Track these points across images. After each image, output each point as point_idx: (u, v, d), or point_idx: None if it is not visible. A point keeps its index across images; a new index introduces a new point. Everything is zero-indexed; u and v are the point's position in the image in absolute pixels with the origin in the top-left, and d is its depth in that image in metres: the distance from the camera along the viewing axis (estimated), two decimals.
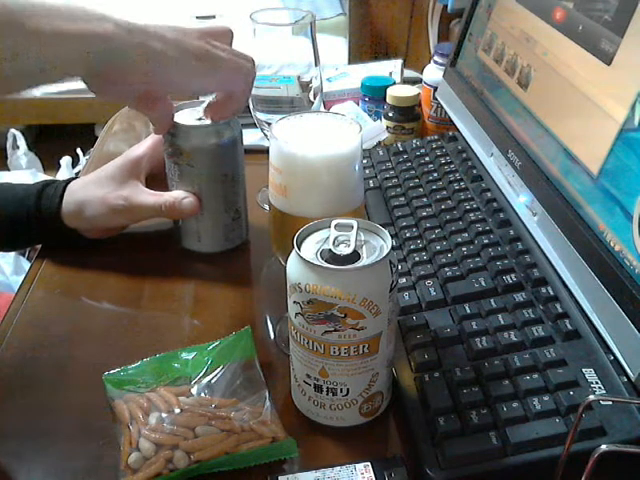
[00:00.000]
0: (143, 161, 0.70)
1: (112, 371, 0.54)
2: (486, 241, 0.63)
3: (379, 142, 0.89)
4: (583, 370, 0.49)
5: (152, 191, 0.69)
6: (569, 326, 0.53)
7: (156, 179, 0.71)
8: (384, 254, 0.45)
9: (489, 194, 0.70)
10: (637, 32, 0.52)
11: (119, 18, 0.53)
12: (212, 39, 0.59)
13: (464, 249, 0.63)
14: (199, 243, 0.71)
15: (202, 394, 0.52)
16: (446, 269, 0.61)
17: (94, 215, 0.67)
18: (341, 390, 0.49)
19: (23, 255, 1.57)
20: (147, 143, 0.71)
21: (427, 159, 0.80)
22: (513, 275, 0.59)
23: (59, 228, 0.68)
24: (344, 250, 0.46)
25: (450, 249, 0.64)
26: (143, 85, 0.56)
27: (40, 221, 0.68)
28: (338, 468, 0.46)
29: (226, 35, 0.61)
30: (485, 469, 0.45)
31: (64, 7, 0.51)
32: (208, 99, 0.65)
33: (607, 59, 0.55)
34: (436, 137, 0.85)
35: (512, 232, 0.64)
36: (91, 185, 0.69)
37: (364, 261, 0.45)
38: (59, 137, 2.41)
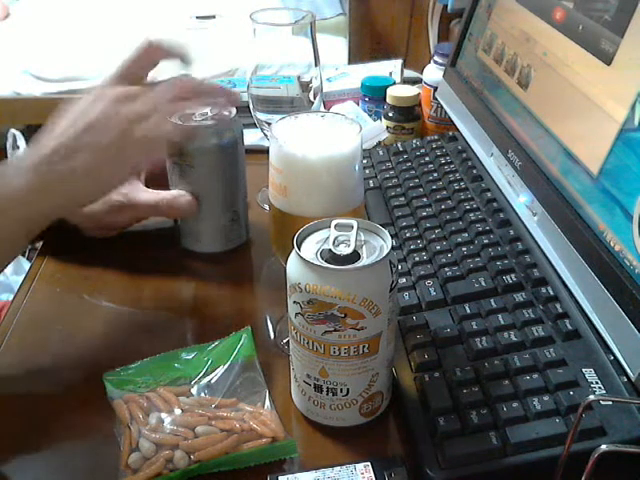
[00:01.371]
0: None
1: (112, 371, 0.54)
2: (486, 241, 0.63)
3: (379, 142, 0.89)
4: (583, 370, 0.49)
5: (151, 190, 0.69)
6: (569, 326, 0.53)
7: (156, 179, 0.71)
8: (384, 254, 0.45)
9: (489, 194, 0.70)
10: (637, 32, 0.52)
11: (22, 165, 0.57)
12: (127, 84, 0.61)
13: (464, 249, 0.63)
14: (199, 243, 0.71)
15: (202, 394, 0.52)
16: (446, 269, 0.61)
17: (93, 211, 0.67)
18: (341, 390, 0.49)
19: (23, 255, 1.56)
20: None
21: (427, 159, 0.80)
22: (513, 275, 0.59)
23: (59, 225, 0.68)
24: (344, 250, 0.46)
25: (450, 249, 0.64)
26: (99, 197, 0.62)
27: None
28: (338, 468, 0.46)
29: (142, 65, 0.63)
30: (485, 469, 0.45)
31: None
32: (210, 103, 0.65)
33: (607, 59, 0.55)
34: (436, 137, 0.85)
35: (512, 232, 0.64)
36: None
37: (364, 261, 0.45)
38: None
